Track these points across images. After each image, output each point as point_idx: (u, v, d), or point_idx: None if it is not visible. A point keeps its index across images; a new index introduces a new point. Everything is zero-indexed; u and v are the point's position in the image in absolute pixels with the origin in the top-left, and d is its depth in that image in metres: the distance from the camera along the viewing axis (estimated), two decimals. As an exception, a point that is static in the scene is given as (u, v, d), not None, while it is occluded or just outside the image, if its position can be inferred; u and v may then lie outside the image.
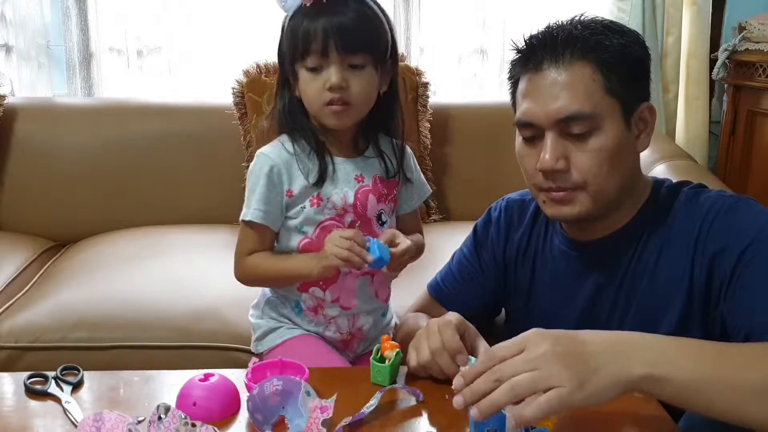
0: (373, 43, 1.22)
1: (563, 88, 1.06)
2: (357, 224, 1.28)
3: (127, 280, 1.83)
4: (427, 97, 2.29)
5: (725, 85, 2.50)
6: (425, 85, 2.28)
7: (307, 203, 1.26)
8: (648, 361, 0.83)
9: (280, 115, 1.29)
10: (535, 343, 0.83)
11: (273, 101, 1.33)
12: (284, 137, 1.29)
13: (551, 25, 1.11)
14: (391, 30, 1.27)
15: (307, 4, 1.19)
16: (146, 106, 2.43)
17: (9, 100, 2.31)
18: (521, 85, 1.12)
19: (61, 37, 2.56)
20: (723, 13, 2.59)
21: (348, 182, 1.28)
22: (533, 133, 1.10)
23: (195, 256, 1.99)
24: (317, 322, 1.33)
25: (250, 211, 1.25)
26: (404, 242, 1.23)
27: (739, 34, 2.34)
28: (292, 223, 1.28)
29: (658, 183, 1.17)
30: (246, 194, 1.28)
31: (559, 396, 0.79)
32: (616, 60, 1.07)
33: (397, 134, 1.33)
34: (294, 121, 1.27)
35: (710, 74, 2.50)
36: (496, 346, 0.86)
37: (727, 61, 2.39)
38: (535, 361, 0.81)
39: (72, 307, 1.70)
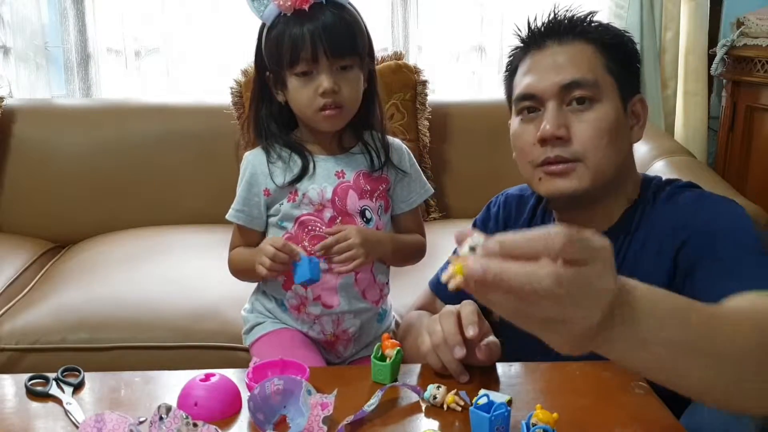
0: (357, 44, 1.23)
1: (566, 61, 1.10)
2: (338, 220, 1.28)
3: (127, 281, 1.83)
4: (426, 95, 2.29)
5: (724, 81, 2.51)
6: (424, 83, 2.28)
7: (285, 200, 1.28)
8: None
9: (260, 125, 1.31)
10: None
11: (247, 111, 1.34)
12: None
13: (553, 12, 1.15)
14: (366, 27, 1.28)
15: (288, 14, 1.20)
16: (145, 107, 2.43)
17: (7, 102, 2.31)
18: (522, 68, 1.15)
19: (59, 38, 2.56)
20: (721, 8, 2.59)
21: (328, 178, 1.28)
22: (533, 105, 1.12)
23: (194, 256, 2.00)
24: (301, 321, 1.33)
25: (229, 211, 1.32)
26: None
27: (737, 30, 2.34)
28: (273, 220, 1.31)
29: (647, 180, 1.18)
30: None
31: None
32: (616, 44, 1.12)
33: (378, 127, 1.33)
34: (270, 130, 1.30)
35: (709, 70, 2.50)
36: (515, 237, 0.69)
37: (725, 56, 2.39)
38: (535, 275, 0.69)
39: (72, 308, 1.71)
